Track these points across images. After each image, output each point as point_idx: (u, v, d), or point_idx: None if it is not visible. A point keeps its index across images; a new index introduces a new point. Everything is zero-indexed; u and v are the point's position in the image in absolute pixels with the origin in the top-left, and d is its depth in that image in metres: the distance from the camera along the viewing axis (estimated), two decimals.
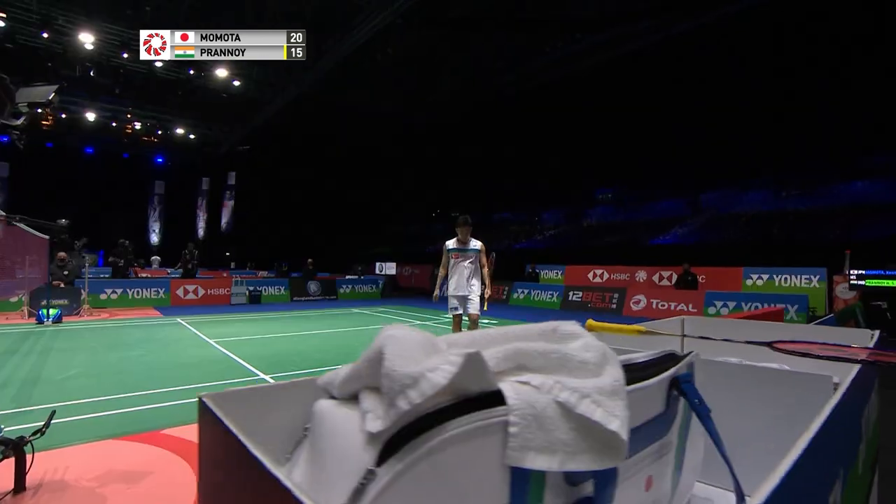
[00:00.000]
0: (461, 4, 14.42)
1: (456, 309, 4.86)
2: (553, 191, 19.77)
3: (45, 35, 13.93)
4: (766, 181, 14.65)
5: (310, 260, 13.95)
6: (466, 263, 4.78)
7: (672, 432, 0.61)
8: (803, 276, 9.32)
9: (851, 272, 7.90)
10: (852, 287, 7.81)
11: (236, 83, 17.47)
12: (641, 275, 11.52)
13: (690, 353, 0.67)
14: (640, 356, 0.62)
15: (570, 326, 0.53)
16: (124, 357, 5.03)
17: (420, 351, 0.44)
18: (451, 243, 4.87)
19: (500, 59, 16.97)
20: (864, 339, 1.26)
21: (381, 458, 0.40)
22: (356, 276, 14.24)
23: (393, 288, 15.01)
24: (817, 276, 9.17)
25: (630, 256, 12.70)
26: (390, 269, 15.94)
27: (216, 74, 16.64)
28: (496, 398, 0.42)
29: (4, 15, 13.38)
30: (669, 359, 0.61)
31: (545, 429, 0.41)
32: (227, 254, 24.63)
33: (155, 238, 25.58)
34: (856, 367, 0.82)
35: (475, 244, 4.84)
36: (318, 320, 8.62)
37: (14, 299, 8.09)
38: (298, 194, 26.71)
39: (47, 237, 7.77)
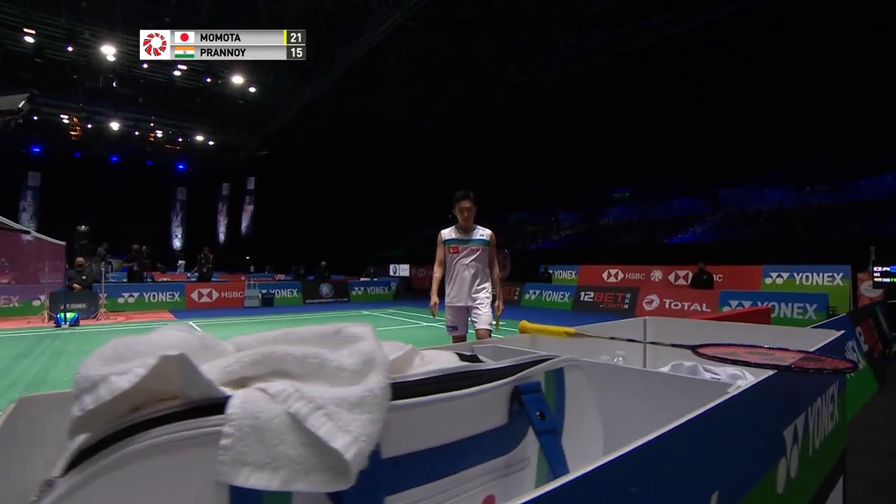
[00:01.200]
0: (469, 5, 14.40)
1: (455, 329, 3.41)
2: (569, 190, 19.54)
3: (70, 49, 14.43)
4: (789, 176, 14.17)
5: (323, 262, 14.08)
6: (469, 261, 3.29)
7: (525, 447, 0.56)
8: (825, 274, 8.94)
9: (876, 269, 7.56)
10: (877, 285, 7.48)
11: (252, 90, 17.80)
12: (657, 274, 11.28)
13: (553, 358, 0.62)
14: (492, 364, 0.58)
15: (357, 328, 0.49)
16: None
17: (130, 352, 0.41)
18: (447, 232, 3.40)
19: (510, 59, 16.89)
20: (820, 341, 1.18)
21: (67, 468, 0.37)
22: (368, 279, 14.31)
23: (406, 289, 15.04)
24: (840, 274, 8.79)
25: (646, 256, 12.44)
26: (404, 270, 15.98)
27: (232, 81, 16.98)
28: (221, 406, 0.39)
29: (34, 31, 13.91)
30: (524, 366, 0.57)
31: (267, 442, 0.37)
32: (247, 257, 25.09)
33: (178, 242, 26.23)
34: (768, 373, 0.76)
35: (482, 233, 3.35)
36: (326, 322, 8.63)
37: (37, 303, 8.37)
38: (314, 198, 27.01)
39: (64, 244, 8.06)
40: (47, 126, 19.96)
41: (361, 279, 14.38)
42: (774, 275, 9.55)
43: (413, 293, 15.15)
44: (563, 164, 18.68)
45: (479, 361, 0.69)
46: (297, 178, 26.25)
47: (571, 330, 1.15)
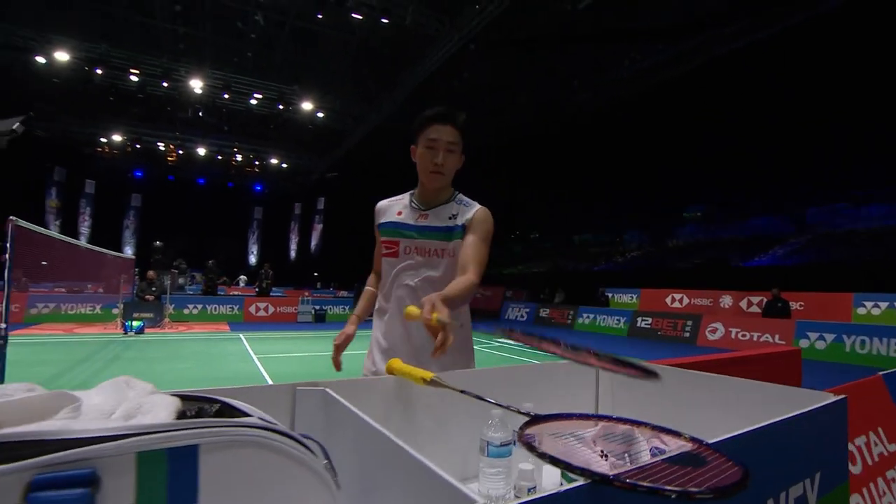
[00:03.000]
0: (532, 24, 14.30)
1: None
2: (637, 210, 18.59)
3: (165, 84, 16.07)
4: (893, 193, 12.46)
5: None
6: (422, 276, 1.47)
7: None
8: None
9: None
10: None
11: (320, 115, 18.78)
12: (726, 300, 10.27)
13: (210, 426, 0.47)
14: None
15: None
16: (170, 369, 5.44)
17: None
18: (386, 206, 1.60)
19: (576, 76, 16.53)
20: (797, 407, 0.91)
21: None
22: None
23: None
24: None
25: (716, 280, 11.40)
26: None
27: (302, 108, 18.04)
28: None
29: (138, 71, 15.67)
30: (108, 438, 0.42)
31: None
32: (315, 274, 26.32)
33: (253, 259, 28.03)
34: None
35: (459, 211, 1.52)
36: (366, 340, 8.74)
37: (115, 311, 9.21)
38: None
39: (134, 258, 8.88)
40: (148, 153, 22.34)
41: None
42: (869, 304, 8.32)
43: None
44: (631, 182, 17.86)
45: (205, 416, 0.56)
46: (364, 198, 27.26)
47: (429, 375, 0.97)
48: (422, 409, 1.06)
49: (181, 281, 14.88)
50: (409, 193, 1.63)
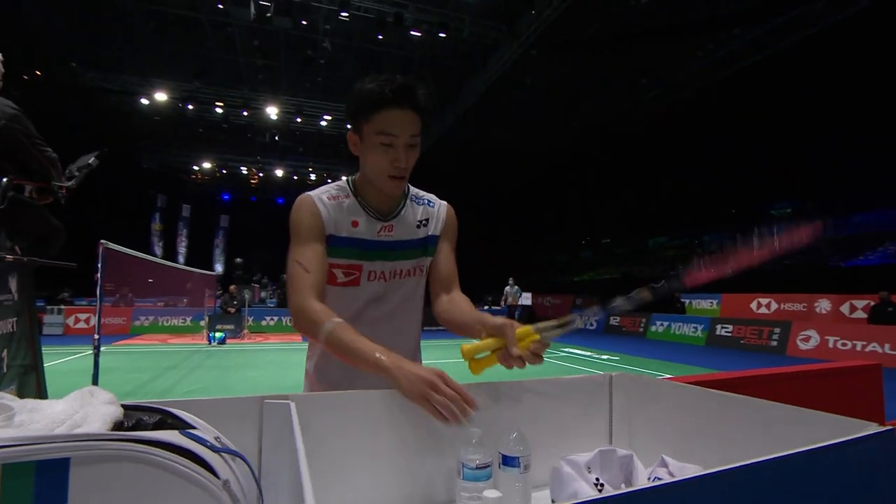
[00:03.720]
0: (593, 24, 13.90)
1: None
2: (717, 209, 17.26)
3: (245, 113, 17.47)
4: None
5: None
6: (397, 302, 1.18)
7: None
8: None
9: None
10: None
11: None
12: (823, 304, 9.17)
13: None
14: None
15: None
16: (242, 377, 5.82)
17: None
18: (333, 206, 1.12)
19: (644, 73, 15.80)
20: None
21: None
22: (486, 307, 14.27)
23: (529, 320, 14.59)
24: None
25: (811, 282, 10.21)
26: (526, 299, 15.58)
27: None
28: None
29: (222, 103, 17.18)
30: None
31: None
32: None
33: None
34: None
35: (428, 210, 1.23)
36: (430, 350, 8.80)
37: (203, 322, 10.05)
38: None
39: (216, 274, 9.69)
40: (233, 177, 24.37)
41: (483, 307, 14.41)
42: None
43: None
44: (710, 179, 16.62)
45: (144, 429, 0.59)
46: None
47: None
48: (404, 425, 1.02)
49: (263, 294, 15.93)
50: (346, 188, 1.16)
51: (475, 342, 0.96)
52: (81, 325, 10.21)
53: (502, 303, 14.10)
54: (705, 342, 9.61)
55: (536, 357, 0.92)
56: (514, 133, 19.56)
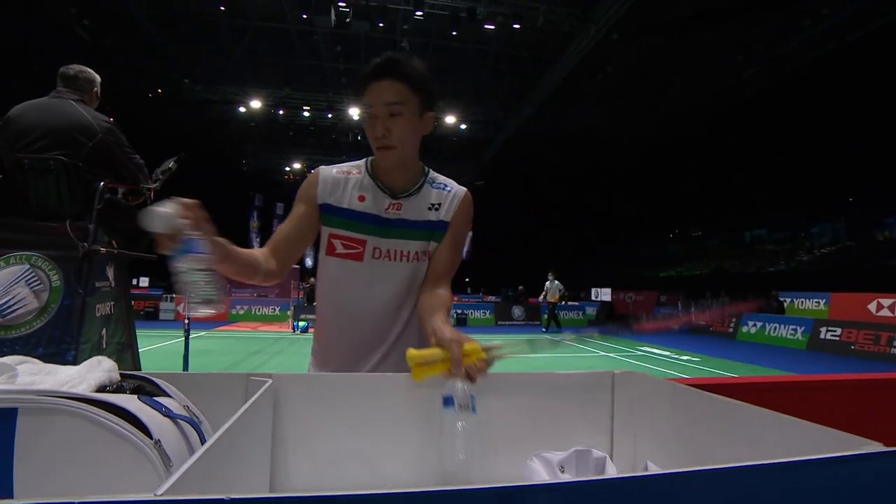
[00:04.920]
0: (679, 2, 12.93)
1: None
2: (829, 197, 15.31)
3: (329, 115, 18.49)
4: None
5: (520, 287, 14.30)
6: (401, 284, 1.16)
7: None
8: None
9: None
10: None
11: (463, 126, 19.56)
12: None
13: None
14: None
15: None
16: None
17: None
18: (341, 179, 1.16)
19: (739, 50, 14.41)
20: None
21: None
22: (562, 302, 13.90)
23: (608, 316, 14.04)
24: None
25: None
26: (606, 294, 14.95)
27: (446, 122, 19.01)
28: None
29: (309, 107, 18.33)
30: None
31: None
32: (466, 279, 27.38)
33: None
34: None
35: (444, 194, 1.20)
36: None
37: (288, 312, 10.84)
38: (528, 222, 27.83)
39: (299, 267, 10.39)
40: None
41: (562, 303, 14.05)
42: None
43: (615, 320, 14.04)
44: (819, 164, 14.78)
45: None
46: (514, 198, 27.57)
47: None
48: (384, 408, 1.04)
49: None
50: (362, 165, 1.19)
51: (423, 350, 0.94)
52: (181, 311, 11.51)
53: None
54: (806, 346, 8.58)
55: (478, 373, 0.86)
56: (595, 122, 18.80)
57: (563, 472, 0.96)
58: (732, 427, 0.91)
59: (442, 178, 1.25)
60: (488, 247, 28.69)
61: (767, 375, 1.30)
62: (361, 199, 1.15)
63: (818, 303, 10.12)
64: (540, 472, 0.93)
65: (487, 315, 12.82)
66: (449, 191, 1.21)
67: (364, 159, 1.22)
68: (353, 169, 1.19)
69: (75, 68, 2.67)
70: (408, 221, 1.16)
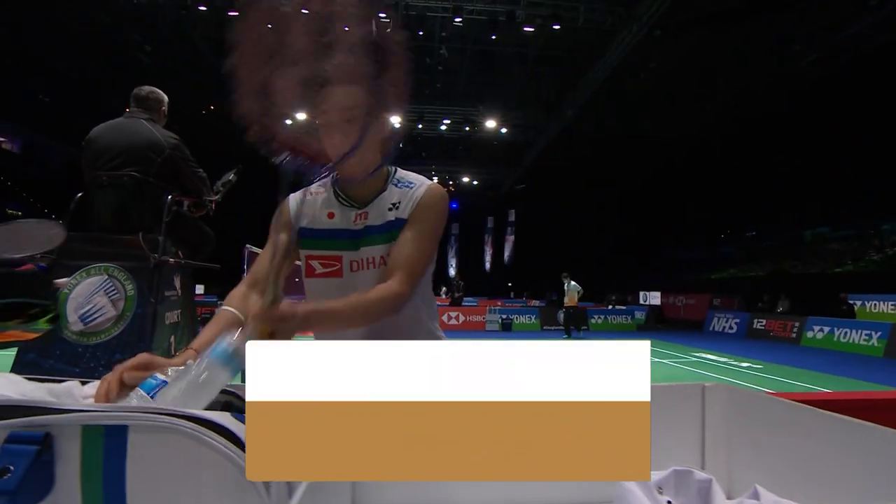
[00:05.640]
0: None
1: None
2: None
3: None
4: None
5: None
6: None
7: None
8: None
9: None
10: None
11: (504, 131, 19.46)
12: None
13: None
14: None
15: None
16: None
17: None
18: (307, 201, 1.15)
19: (795, 39, 13.63)
20: None
21: None
22: (609, 307, 13.50)
23: (658, 320, 13.54)
24: None
25: None
26: (655, 298, 14.41)
27: (486, 126, 18.98)
28: None
29: None
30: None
31: None
32: (510, 284, 27.22)
33: (452, 272, 30.48)
34: None
35: (406, 192, 1.14)
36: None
37: None
38: (571, 225, 27.39)
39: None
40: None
41: (607, 307, 13.68)
42: None
43: (666, 325, 13.52)
44: (886, 157, 13.69)
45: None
46: (552, 207, 27.28)
47: None
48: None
49: None
50: (329, 182, 1.18)
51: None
52: None
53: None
54: (883, 353, 7.90)
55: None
56: (640, 122, 18.26)
57: (661, 493, 0.90)
58: (862, 452, 0.81)
59: (411, 177, 1.19)
60: (531, 251, 28.39)
61: (882, 391, 1.18)
62: (331, 216, 1.14)
63: (895, 306, 9.33)
64: (636, 493, 0.87)
65: (532, 320, 12.63)
66: (411, 186, 1.16)
67: (329, 178, 1.18)
68: (319, 188, 1.17)
69: (146, 89, 2.81)
70: (372, 227, 1.13)
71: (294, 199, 1.13)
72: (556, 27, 12.21)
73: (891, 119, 13.40)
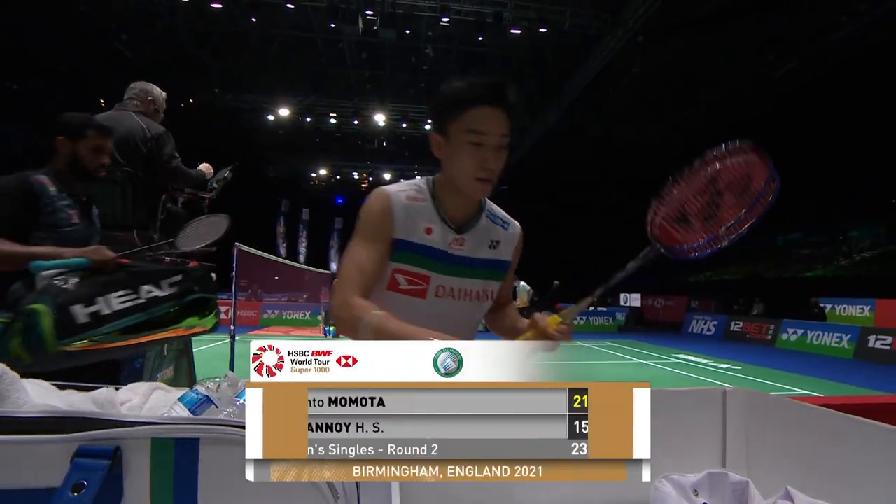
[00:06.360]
0: (707, 2, 12.66)
1: None
2: (870, 200, 14.75)
3: (356, 122, 18.67)
4: None
5: (556, 282, 14.14)
6: (464, 325, 1.13)
7: None
8: None
9: None
10: None
11: None
12: None
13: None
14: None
15: None
16: None
17: None
18: (410, 207, 1.06)
19: (774, 48, 14.03)
20: None
21: None
22: (591, 308, 13.70)
23: (637, 321, 13.79)
24: None
25: None
26: (635, 300, 14.69)
27: None
28: None
29: (335, 114, 18.56)
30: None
31: None
32: None
33: None
34: None
35: (500, 231, 1.15)
36: None
37: (319, 317, 10.97)
38: (554, 228, 27.62)
39: (329, 272, 10.50)
40: (346, 182, 26.25)
41: (588, 309, 13.87)
42: None
43: (644, 326, 13.78)
44: (859, 164, 14.25)
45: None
46: (538, 209, 27.46)
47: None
48: None
49: None
50: (425, 190, 1.09)
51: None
52: (222, 316, 11.66)
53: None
54: (853, 354, 8.24)
55: (563, 335, 0.89)
56: (622, 126, 18.52)
57: (696, 495, 0.91)
58: (883, 455, 0.84)
59: (497, 210, 1.20)
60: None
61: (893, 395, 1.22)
62: (429, 231, 1.07)
63: (862, 309, 9.73)
64: (672, 495, 0.89)
65: None
66: (507, 228, 1.18)
67: (424, 182, 1.13)
68: (418, 195, 1.09)
69: (136, 83, 2.74)
70: (472, 260, 1.10)
71: (398, 204, 1.05)
72: (543, 30, 12.30)
73: (861, 129, 13.95)
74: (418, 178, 1.15)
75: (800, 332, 9.31)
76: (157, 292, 1.51)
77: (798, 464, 1.01)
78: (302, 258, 25.16)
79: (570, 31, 12.90)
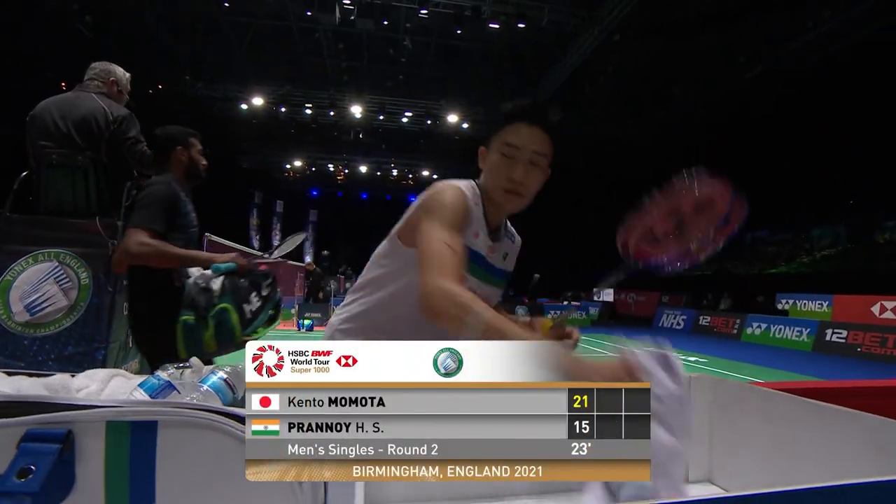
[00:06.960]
0: (684, 4, 12.90)
1: None
2: (831, 200, 15.35)
3: (332, 113, 18.38)
4: None
5: (536, 275, 14.22)
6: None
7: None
8: None
9: None
10: None
11: (465, 126, 19.52)
12: None
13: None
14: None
15: None
16: None
17: None
18: (471, 209, 1.07)
19: (741, 53, 14.41)
20: None
21: None
22: (566, 303, 13.92)
23: (610, 315, 14.07)
24: None
25: None
26: (608, 295, 14.98)
27: (448, 121, 18.96)
28: None
29: (311, 105, 18.23)
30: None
31: None
32: None
33: None
34: None
35: (510, 245, 1.25)
36: None
37: (293, 311, 10.80)
38: (528, 223, 27.82)
39: (303, 265, 10.38)
40: (321, 174, 25.83)
41: (563, 304, 14.09)
42: None
43: (617, 320, 14.07)
44: (821, 165, 14.81)
45: None
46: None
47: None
48: None
49: (348, 285, 16.70)
50: (479, 196, 1.11)
51: None
52: None
53: None
54: (812, 347, 8.62)
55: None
56: (596, 125, 18.74)
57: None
58: (845, 438, 0.87)
59: (508, 224, 1.25)
60: None
61: (851, 381, 1.27)
62: (476, 235, 1.10)
63: (821, 305, 10.16)
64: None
65: None
66: (514, 241, 1.26)
67: (474, 187, 1.13)
68: (475, 199, 1.11)
69: (97, 63, 2.62)
70: (494, 269, 1.16)
71: (469, 203, 1.07)
72: (521, 26, 12.33)
73: (821, 134, 14.49)
74: (464, 180, 1.15)
75: (763, 326, 9.69)
76: (264, 293, 1.81)
77: (759, 444, 1.05)
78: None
79: (548, 28, 12.97)
